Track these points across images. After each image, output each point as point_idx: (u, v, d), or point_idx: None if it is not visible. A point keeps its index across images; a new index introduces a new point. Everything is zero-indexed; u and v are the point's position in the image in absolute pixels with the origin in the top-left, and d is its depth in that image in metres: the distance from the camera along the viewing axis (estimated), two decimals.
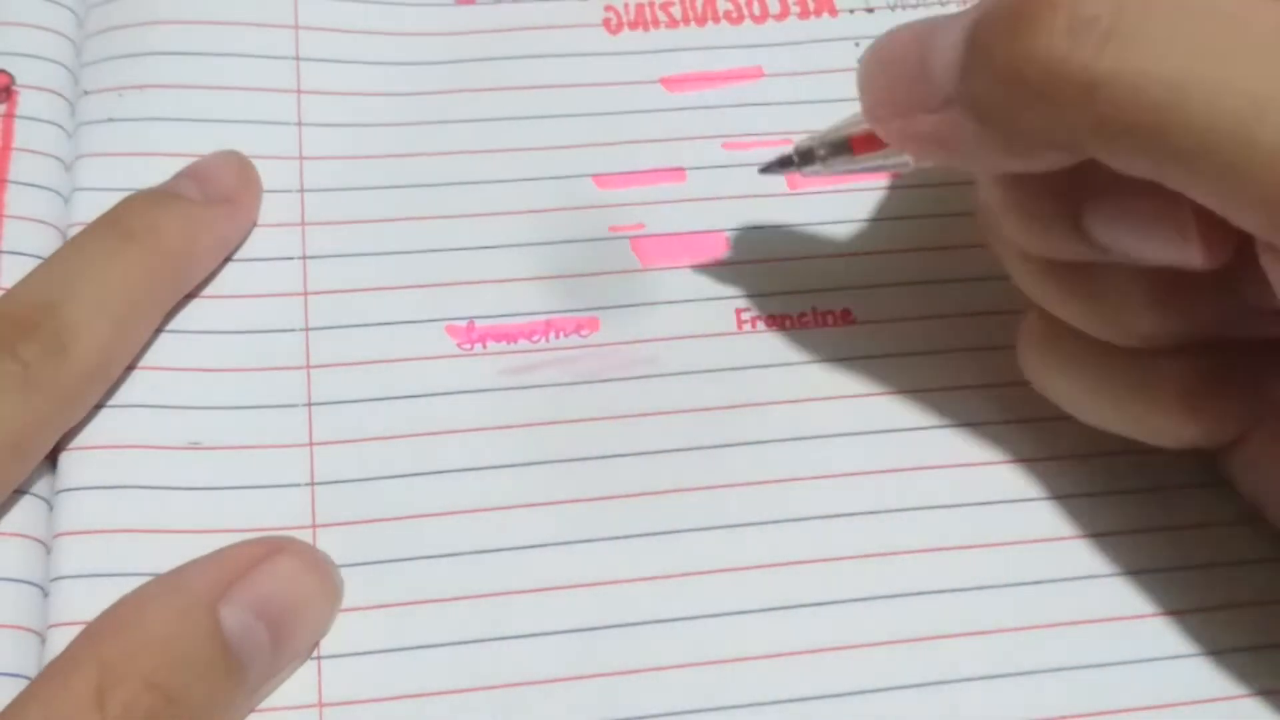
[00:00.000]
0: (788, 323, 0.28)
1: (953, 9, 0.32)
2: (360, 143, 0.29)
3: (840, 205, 0.29)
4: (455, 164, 0.29)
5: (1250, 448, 0.25)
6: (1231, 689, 0.24)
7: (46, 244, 0.27)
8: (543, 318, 0.28)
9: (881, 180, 0.29)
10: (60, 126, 0.29)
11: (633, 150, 0.30)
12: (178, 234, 0.26)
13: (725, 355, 0.27)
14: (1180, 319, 0.23)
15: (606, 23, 0.32)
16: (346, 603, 0.24)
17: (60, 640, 0.23)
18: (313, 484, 0.26)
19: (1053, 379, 0.25)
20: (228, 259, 0.28)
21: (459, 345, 0.27)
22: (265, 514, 0.25)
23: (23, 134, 0.28)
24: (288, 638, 0.23)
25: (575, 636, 0.24)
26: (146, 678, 0.21)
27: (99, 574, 0.24)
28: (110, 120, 0.29)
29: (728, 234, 0.29)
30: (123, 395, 0.26)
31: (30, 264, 0.26)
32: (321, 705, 0.23)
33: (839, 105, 0.30)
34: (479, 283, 0.28)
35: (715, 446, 0.26)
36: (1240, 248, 0.21)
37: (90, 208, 0.27)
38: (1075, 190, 0.22)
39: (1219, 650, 0.24)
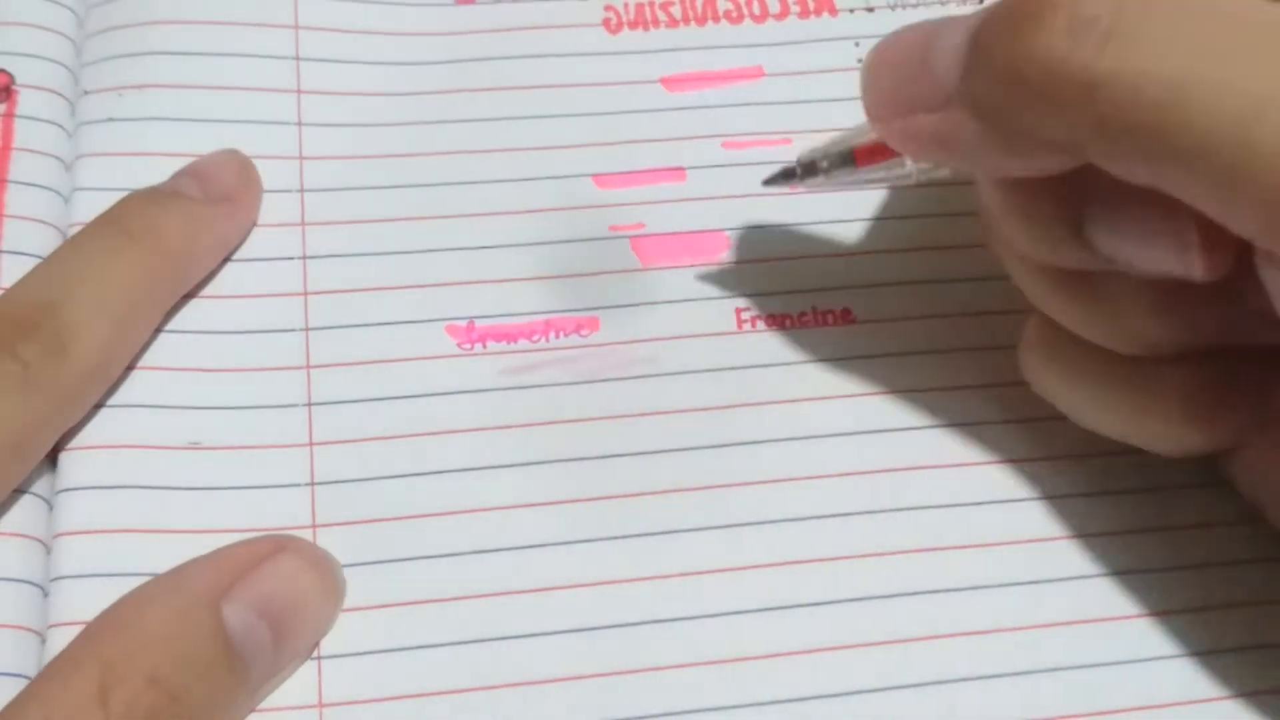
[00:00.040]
0: (788, 322, 0.28)
1: (952, 8, 0.32)
2: (360, 143, 0.29)
3: (840, 205, 0.29)
4: (455, 164, 0.29)
5: (1250, 452, 0.25)
6: (1229, 689, 0.24)
7: (46, 244, 0.27)
8: (543, 317, 0.28)
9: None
10: (60, 126, 0.29)
11: (633, 150, 0.30)
12: (178, 233, 0.26)
13: (725, 355, 0.27)
14: (1182, 327, 0.23)
15: (606, 22, 0.32)
16: (346, 603, 0.24)
17: (60, 640, 0.23)
18: (313, 484, 0.26)
19: (1054, 384, 0.25)
20: (228, 259, 0.28)
21: (459, 345, 0.27)
22: (265, 514, 0.25)
23: (23, 133, 0.28)
24: (290, 636, 0.23)
25: (575, 636, 0.24)
26: (149, 676, 0.21)
27: (99, 574, 0.24)
28: (110, 120, 0.29)
29: (728, 233, 0.29)
30: (123, 395, 0.26)
31: (30, 264, 0.26)
32: (321, 706, 0.23)
33: (839, 105, 0.30)
34: (479, 283, 0.28)
35: (715, 446, 0.26)
36: (1241, 258, 0.21)
37: (90, 207, 0.27)
38: (1076, 198, 0.22)
39: (1216, 650, 0.24)
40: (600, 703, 0.24)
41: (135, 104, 0.29)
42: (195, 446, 0.26)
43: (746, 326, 0.28)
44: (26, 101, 0.29)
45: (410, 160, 0.29)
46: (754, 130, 0.30)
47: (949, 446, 0.26)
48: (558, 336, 0.28)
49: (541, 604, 0.24)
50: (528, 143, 0.30)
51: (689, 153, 0.30)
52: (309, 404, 0.26)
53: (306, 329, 0.27)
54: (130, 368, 0.26)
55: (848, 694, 0.24)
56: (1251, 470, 0.25)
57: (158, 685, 0.21)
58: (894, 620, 0.25)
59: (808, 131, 0.30)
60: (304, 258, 0.28)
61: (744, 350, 0.27)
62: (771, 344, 0.28)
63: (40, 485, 0.25)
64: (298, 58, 0.30)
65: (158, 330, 0.26)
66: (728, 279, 0.28)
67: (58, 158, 0.29)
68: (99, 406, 0.26)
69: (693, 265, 0.28)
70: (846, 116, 0.30)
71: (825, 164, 0.26)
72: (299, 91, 0.30)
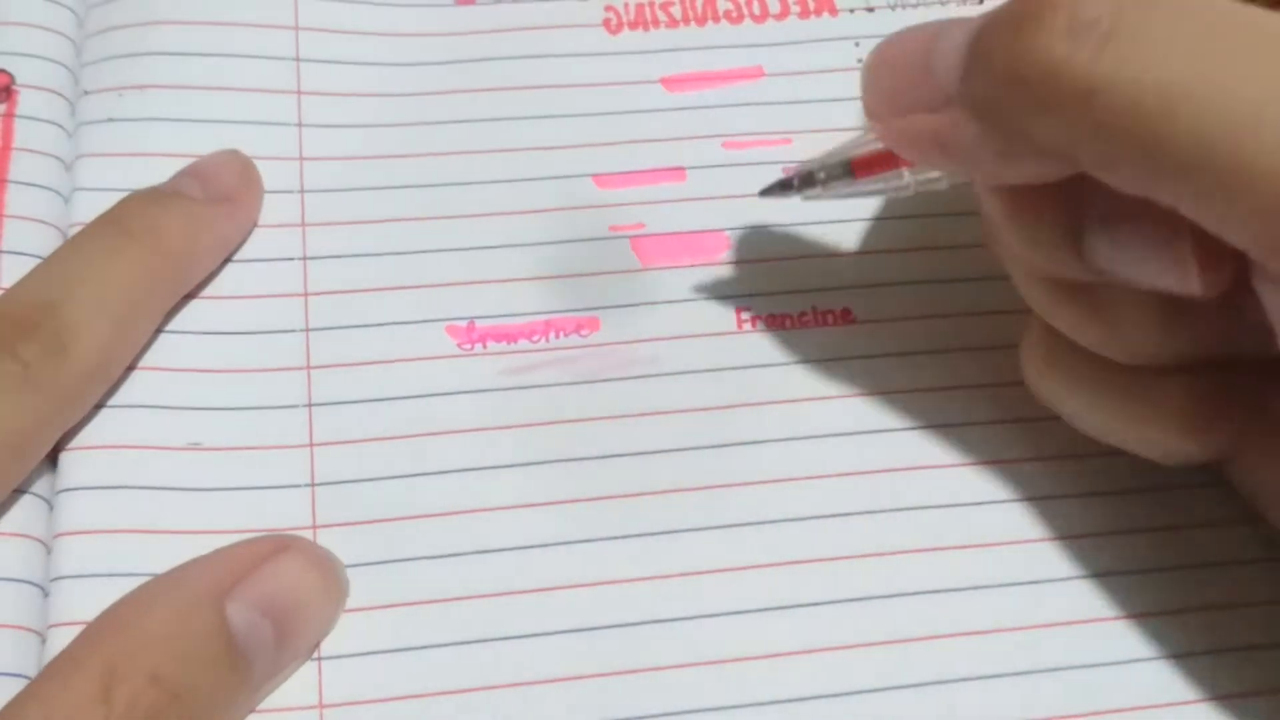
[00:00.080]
0: (788, 322, 0.28)
1: (952, 8, 0.32)
2: (360, 143, 0.29)
3: (840, 205, 0.29)
4: (455, 164, 0.29)
5: (1250, 457, 0.25)
6: (1230, 689, 0.24)
7: (46, 244, 0.27)
8: (543, 318, 0.28)
9: None
10: (60, 126, 0.29)
11: (633, 150, 0.30)
12: (178, 233, 0.26)
13: (725, 355, 0.27)
14: (1183, 339, 0.23)
15: (606, 23, 0.32)
16: (347, 603, 0.24)
17: (60, 640, 0.23)
18: (313, 485, 0.26)
19: (1054, 390, 0.25)
20: (228, 259, 0.28)
21: (459, 345, 0.27)
22: (266, 515, 0.25)
23: (23, 133, 0.28)
24: (292, 635, 0.23)
25: (575, 636, 0.24)
26: (151, 673, 0.21)
27: (99, 574, 0.24)
28: (110, 120, 0.29)
29: (728, 233, 0.29)
30: (123, 395, 0.26)
31: (30, 264, 0.26)
32: (322, 706, 0.23)
33: (839, 105, 0.30)
34: (479, 283, 0.28)
35: (715, 446, 0.26)
36: (1240, 273, 0.21)
37: (90, 208, 0.27)
38: (1074, 211, 0.22)
39: (1217, 650, 0.24)
40: (600, 703, 0.24)
41: (135, 104, 0.29)
42: (196, 447, 0.26)
43: (747, 326, 0.28)
44: (26, 101, 0.29)
45: (410, 161, 0.29)
46: (754, 130, 0.30)
47: (949, 446, 0.26)
48: (558, 337, 0.28)
49: (541, 604, 0.24)
50: (528, 143, 0.30)
51: (689, 153, 0.30)
52: (309, 404, 0.26)
53: (307, 329, 0.27)
54: (130, 368, 0.26)
55: (847, 694, 0.24)
56: (1251, 475, 0.25)
57: (160, 683, 0.21)
58: (894, 620, 0.25)
59: (808, 131, 0.30)
60: (304, 258, 0.28)
61: (744, 350, 0.27)
62: (772, 344, 0.28)
63: (40, 485, 0.25)
64: (298, 59, 0.30)
65: (158, 331, 0.26)
66: (728, 279, 0.28)
67: (58, 158, 0.29)
68: (99, 407, 0.26)
69: (693, 265, 0.28)
70: (847, 116, 0.30)
71: (823, 175, 0.26)
72: (299, 93, 0.30)
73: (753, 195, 0.28)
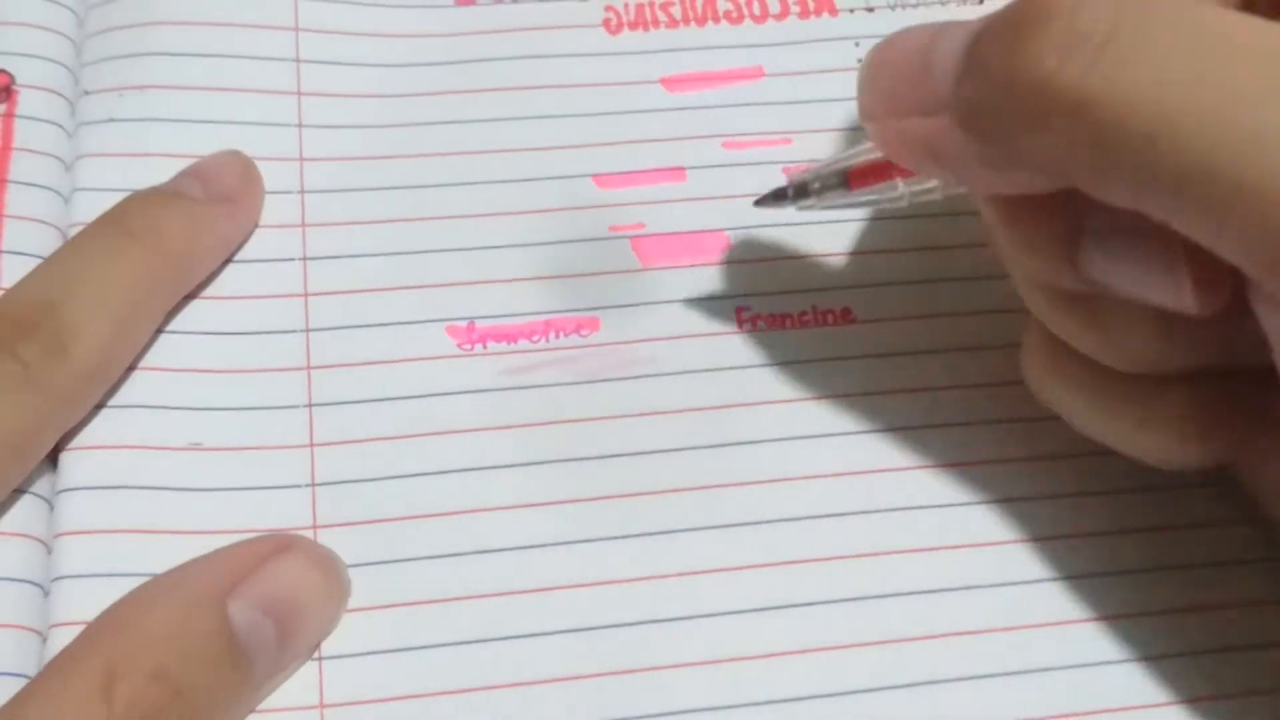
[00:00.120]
0: (788, 322, 0.28)
1: (952, 9, 0.32)
2: (360, 144, 0.29)
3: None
4: (455, 165, 0.29)
5: (1251, 459, 0.24)
6: (1225, 689, 0.24)
7: (47, 244, 0.27)
8: (543, 318, 0.28)
9: None
10: (60, 126, 0.29)
11: (633, 150, 0.30)
12: (179, 233, 0.26)
13: (725, 355, 0.27)
14: (1183, 349, 0.23)
15: (606, 23, 0.32)
16: (348, 603, 0.24)
17: (61, 640, 0.23)
18: (313, 485, 0.26)
19: (1055, 395, 0.25)
20: (229, 260, 0.28)
21: (459, 345, 0.27)
22: (266, 515, 0.25)
23: (23, 133, 0.28)
24: (294, 635, 0.23)
25: (575, 636, 0.24)
26: (152, 671, 0.21)
27: (100, 574, 0.24)
28: (111, 120, 0.29)
29: (728, 233, 0.29)
30: (123, 395, 0.26)
31: (30, 264, 0.26)
32: (323, 706, 0.23)
33: (839, 105, 0.30)
34: (479, 283, 0.28)
35: (715, 446, 0.26)
36: (1238, 290, 0.21)
37: (90, 208, 0.27)
38: (1070, 225, 0.22)
39: (1212, 650, 0.24)
40: (599, 702, 0.24)
41: (136, 104, 0.29)
42: (196, 447, 0.26)
43: (747, 326, 0.28)
44: (26, 101, 0.29)
45: (410, 161, 0.29)
46: (754, 130, 0.30)
47: (949, 446, 0.26)
48: (558, 336, 0.28)
49: (541, 604, 0.24)
50: (528, 143, 0.30)
51: (689, 153, 0.30)
52: (310, 405, 0.26)
53: (307, 330, 0.27)
54: (131, 368, 0.26)
55: (842, 694, 0.24)
56: (1252, 477, 0.25)
57: (161, 680, 0.21)
58: (891, 620, 0.25)
59: (808, 131, 0.30)
60: (304, 259, 0.28)
61: (744, 350, 0.27)
62: (772, 344, 0.28)
63: (41, 485, 0.25)
64: (298, 60, 0.30)
65: (159, 331, 0.26)
66: (728, 279, 0.28)
67: (58, 158, 0.29)
68: (99, 407, 0.26)
69: (693, 265, 0.28)
70: (846, 116, 0.30)
71: (817, 185, 0.26)
72: (299, 94, 0.30)
73: (753, 195, 0.28)
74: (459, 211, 0.29)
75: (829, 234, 0.29)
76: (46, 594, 0.24)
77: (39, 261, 0.26)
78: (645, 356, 0.27)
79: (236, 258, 0.28)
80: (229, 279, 0.28)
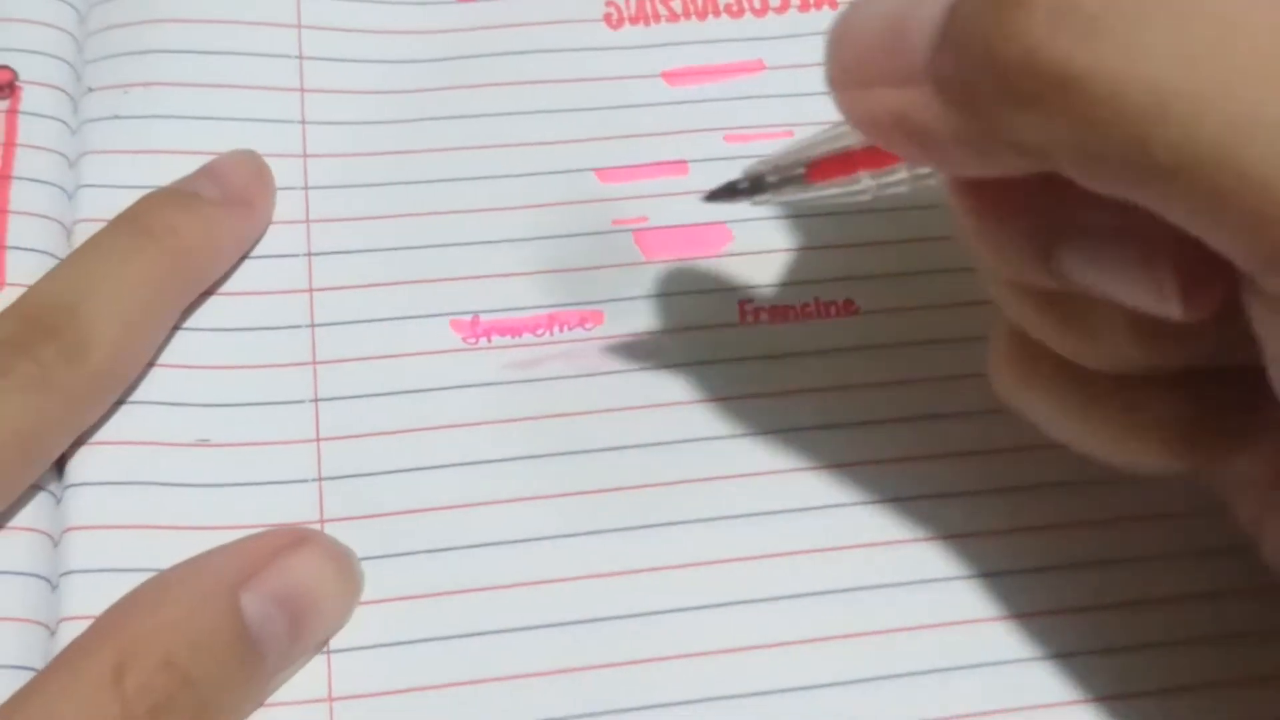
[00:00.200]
0: (791, 314, 0.28)
1: None
2: (363, 140, 0.29)
3: (843, 196, 0.29)
4: (458, 160, 0.29)
5: (1245, 465, 0.23)
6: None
7: (51, 240, 0.27)
8: (547, 311, 0.28)
9: None
10: (63, 122, 0.29)
11: (635, 144, 0.30)
12: (197, 235, 0.26)
13: (729, 347, 0.27)
14: (1167, 350, 0.21)
15: (607, 17, 0.32)
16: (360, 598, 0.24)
17: (69, 634, 0.23)
18: (320, 479, 0.26)
19: (1027, 401, 0.23)
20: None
21: (464, 340, 0.27)
22: (273, 509, 0.25)
23: (26, 130, 0.28)
24: (306, 628, 0.23)
25: (589, 627, 0.24)
26: (164, 659, 0.21)
27: (107, 569, 0.24)
28: (115, 117, 0.29)
29: (730, 226, 0.29)
30: (130, 392, 0.26)
31: (34, 259, 0.27)
32: (331, 699, 0.24)
33: None
34: (483, 277, 0.28)
35: (719, 438, 0.26)
36: (1228, 294, 0.19)
37: (95, 204, 0.28)
38: (1045, 220, 0.20)
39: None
40: (617, 693, 0.24)
41: (140, 101, 0.29)
42: (203, 443, 0.26)
43: (749, 319, 0.28)
44: (30, 98, 0.29)
45: (413, 157, 0.29)
46: (756, 123, 0.30)
47: (955, 437, 0.26)
48: (562, 330, 0.28)
49: (551, 596, 0.25)
50: (530, 138, 0.30)
51: (691, 146, 0.30)
52: (315, 400, 0.26)
53: (312, 325, 0.27)
54: None
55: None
56: (1231, 481, 0.24)
57: (172, 670, 0.21)
58: (885, 611, 0.25)
59: (809, 124, 0.29)
60: (309, 254, 0.28)
61: (747, 342, 0.28)
62: (775, 336, 0.28)
63: (49, 480, 0.25)
64: (301, 56, 0.30)
65: None
66: (730, 272, 0.28)
67: (61, 154, 0.29)
68: None
69: (695, 258, 0.29)
70: None
71: (774, 179, 0.24)
72: (302, 90, 0.30)
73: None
74: (462, 206, 0.29)
75: (831, 226, 0.29)
76: (54, 588, 0.24)
77: (42, 257, 0.26)
78: (649, 349, 0.27)
79: None
80: (234, 275, 0.28)
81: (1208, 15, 0.17)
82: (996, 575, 0.25)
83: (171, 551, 0.24)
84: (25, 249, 0.27)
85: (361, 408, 0.26)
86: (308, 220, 0.28)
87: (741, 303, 0.28)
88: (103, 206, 0.27)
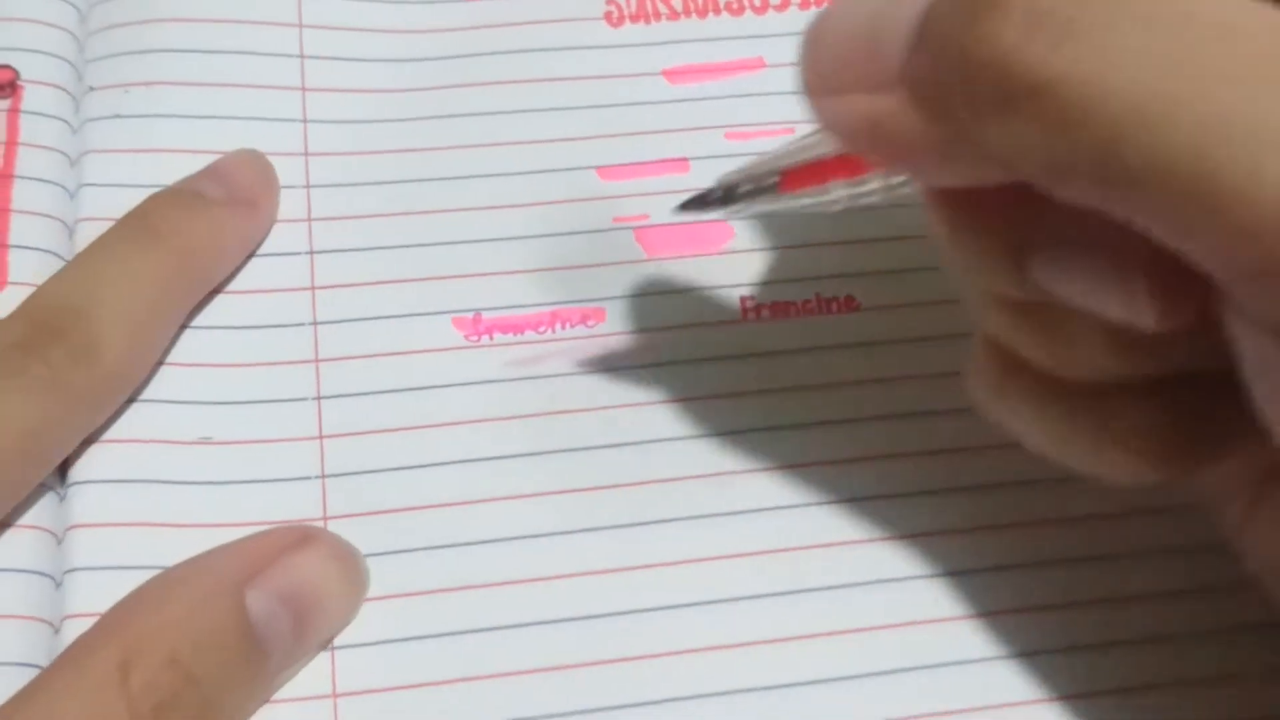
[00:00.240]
0: (792, 310, 0.28)
1: None
2: (365, 138, 0.29)
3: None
4: (459, 158, 0.29)
5: (1223, 473, 0.23)
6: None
7: (53, 239, 0.27)
8: (549, 309, 0.28)
9: None
10: (65, 122, 0.29)
11: (636, 142, 0.30)
12: (203, 235, 0.26)
13: (730, 344, 0.27)
14: (1143, 360, 0.21)
15: (608, 16, 0.32)
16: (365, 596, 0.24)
17: (73, 631, 0.23)
18: (323, 477, 0.26)
19: (1006, 412, 0.23)
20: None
21: (466, 337, 0.27)
22: (276, 507, 0.25)
23: (28, 129, 0.28)
24: (311, 626, 0.23)
25: (592, 623, 0.24)
26: (168, 656, 0.21)
27: (111, 566, 0.24)
28: (117, 116, 0.29)
29: (731, 223, 0.29)
30: (134, 391, 0.26)
31: (36, 258, 0.27)
32: (336, 696, 0.24)
33: None
34: (485, 275, 0.28)
35: (721, 434, 0.26)
36: (1203, 304, 0.19)
37: (96, 203, 0.28)
38: (1019, 230, 0.20)
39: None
40: (620, 689, 0.24)
41: (141, 101, 0.29)
42: (206, 441, 0.26)
43: (751, 315, 0.28)
44: (31, 97, 0.29)
45: (415, 155, 0.29)
46: (756, 121, 0.30)
47: (956, 432, 0.26)
48: (564, 327, 0.28)
49: (554, 592, 0.25)
50: (531, 136, 0.30)
51: (692, 144, 0.30)
52: (318, 397, 0.26)
53: (315, 323, 0.27)
54: None
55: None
56: (1211, 489, 0.24)
57: (177, 666, 0.21)
58: (883, 606, 0.25)
59: (809, 122, 0.30)
60: (311, 253, 0.28)
61: (749, 339, 0.28)
62: (776, 332, 0.28)
63: (52, 478, 0.25)
64: (302, 55, 0.30)
65: None
66: (732, 268, 0.28)
67: (63, 153, 0.29)
68: None
69: (697, 255, 0.29)
70: None
71: (747, 188, 0.24)
72: (304, 89, 0.30)
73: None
74: (464, 204, 0.29)
75: (832, 222, 0.29)
76: (58, 586, 0.24)
77: (44, 255, 0.26)
78: (651, 347, 0.27)
79: None
80: (237, 274, 0.28)
81: (1185, 19, 0.17)
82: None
83: (175, 549, 0.24)
84: (27, 248, 0.27)
85: (364, 405, 0.26)
86: (309, 219, 0.28)
87: (743, 299, 0.28)
88: (104, 205, 0.27)
